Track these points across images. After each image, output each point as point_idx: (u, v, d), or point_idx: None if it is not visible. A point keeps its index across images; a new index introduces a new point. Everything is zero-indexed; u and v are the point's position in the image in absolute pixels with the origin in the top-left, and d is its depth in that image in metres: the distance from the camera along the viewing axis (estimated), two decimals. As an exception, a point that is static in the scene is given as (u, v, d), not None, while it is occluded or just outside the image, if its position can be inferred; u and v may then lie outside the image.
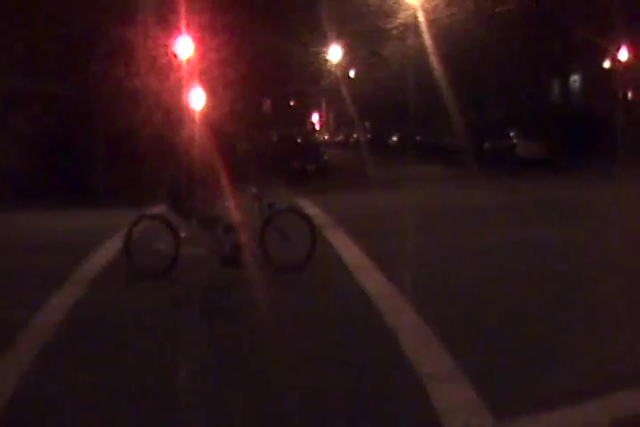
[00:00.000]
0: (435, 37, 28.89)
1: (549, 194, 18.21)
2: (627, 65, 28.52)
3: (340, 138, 69.00)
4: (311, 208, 16.06)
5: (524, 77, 32.83)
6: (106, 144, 22.88)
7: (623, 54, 28.24)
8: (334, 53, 39.50)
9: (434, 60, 29.54)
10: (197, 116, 23.94)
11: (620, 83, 29.21)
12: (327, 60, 39.65)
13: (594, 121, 30.67)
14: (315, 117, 72.17)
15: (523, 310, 6.75)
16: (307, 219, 9.31)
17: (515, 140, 31.69)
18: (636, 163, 24.99)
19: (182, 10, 21.98)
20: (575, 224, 12.29)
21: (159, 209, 9.65)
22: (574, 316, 6.44)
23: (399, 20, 30.67)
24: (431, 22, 28.67)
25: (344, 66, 41.18)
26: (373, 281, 8.14)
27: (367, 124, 60.08)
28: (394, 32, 31.73)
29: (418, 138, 42.76)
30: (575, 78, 37.49)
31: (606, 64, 32.25)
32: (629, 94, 30.77)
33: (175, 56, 22.85)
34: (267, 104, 37.71)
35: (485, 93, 34.54)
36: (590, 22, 29.51)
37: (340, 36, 36.77)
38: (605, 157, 26.94)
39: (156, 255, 8.77)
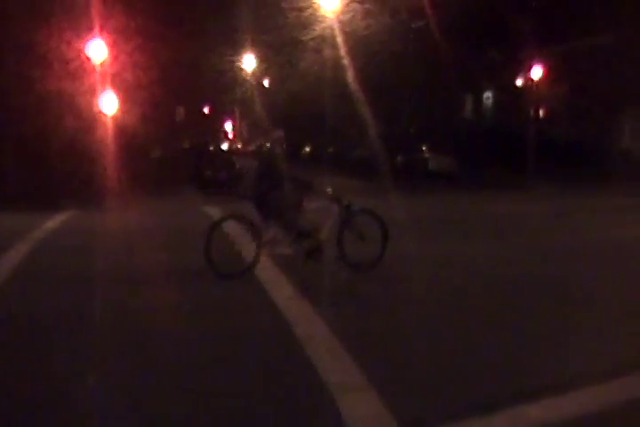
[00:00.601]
0: (351, 50, 29.15)
1: (456, 208, 18.48)
2: (538, 83, 29.25)
3: (253, 147, 69.01)
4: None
5: (438, 92, 33.45)
6: (16, 147, 22.33)
7: (535, 73, 28.97)
8: (249, 63, 39.54)
9: (349, 72, 29.80)
10: (109, 121, 23.68)
11: (532, 101, 29.94)
12: (242, 69, 39.65)
13: (505, 137, 31.51)
14: (228, 126, 71.97)
15: (433, 323, 6.69)
16: (381, 221, 9.41)
17: (427, 155, 32.28)
18: (546, 178, 25.89)
19: (95, 13, 21.67)
20: (485, 238, 12.47)
21: (236, 208, 9.56)
22: (485, 330, 6.41)
23: (316, 32, 30.89)
24: (347, 34, 28.93)
25: (258, 75, 41.25)
26: (284, 293, 8.03)
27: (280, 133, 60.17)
28: (310, 44, 31.94)
29: (330, 150, 42.99)
30: (488, 95, 38.50)
31: (519, 82, 33.16)
32: (540, 112, 31.59)
33: (88, 59, 22.47)
34: (180, 111, 37.42)
35: (400, 107, 35.04)
36: (504, 41, 30.39)
37: (256, 46, 36.85)
38: (516, 171, 27.71)
39: (238, 256, 8.90)
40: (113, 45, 22.78)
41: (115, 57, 23.04)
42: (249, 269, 8.80)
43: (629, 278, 8.80)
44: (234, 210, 9.31)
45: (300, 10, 30.56)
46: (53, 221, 16.19)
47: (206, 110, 53.28)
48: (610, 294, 7.79)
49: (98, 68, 22.34)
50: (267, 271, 9.02)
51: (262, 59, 38.89)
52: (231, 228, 9.25)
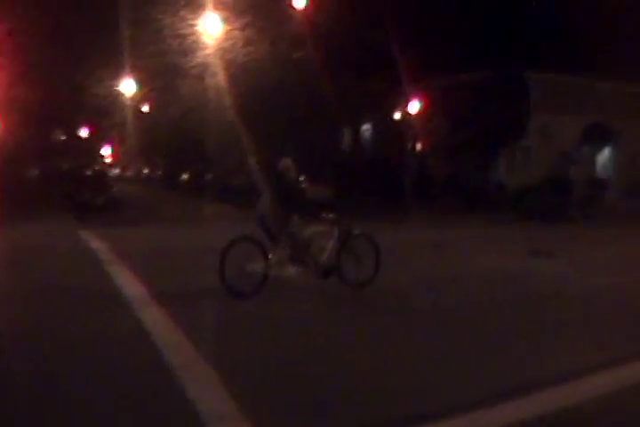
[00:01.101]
0: (231, 77, 29.20)
1: None
2: (417, 116, 30.05)
3: (131, 173, 67.95)
4: (95, 242, 15.64)
5: (317, 123, 33.86)
6: None
7: (414, 106, 29.75)
8: (128, 87, 38.99)
9: (230, 100, 29.81)
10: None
11: (410, 133, 30.71)
12: (121, 94, 39.04)
13: (384, 169, 32.19)
14: (106, 150, 70.69)
15: (305, 348, 6.77)
16: (375, 244, 10.46)
17: (304, 185, 32.58)
18: (423, 209, 26.69)
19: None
20: None
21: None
22: (356, 357, 6.50)
23: (198, 59, 30.81)
24: (228, 62, 28.98)
25: (138, 100, 40.70)
26: (154, 318, 7.97)
27: (159, 160, 59.61)
28: (192, 70, 31.80)
29: (209, 177, 42.76)
30: (367, 127, 39.31)
31: (397, 115, 34.00)
32: (419, 145, 32.41)
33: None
34: (56, 133, 36.55)
35: (279, 136, 35.29)
36: (385, 73, 31.11)
37: (136, 71, 36.38)
38: (394, 203, 28.35)
39: (248, 276, 9.37)
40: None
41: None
42: (259, 287, 9.39)
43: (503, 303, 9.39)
44: (246, 232, 9.84)
45: (183, 37, 30.42)
46: None
47: (85, 133, 52.11)
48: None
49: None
50: (141, 298, 9.01)
51: (142, 84, 38.44)
52: (242, 249, 9.55)
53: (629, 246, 18.08)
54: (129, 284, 10.24)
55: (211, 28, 28.15)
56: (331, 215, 10.38)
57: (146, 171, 64.23)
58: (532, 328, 7.87)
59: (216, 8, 27.42)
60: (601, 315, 8.73)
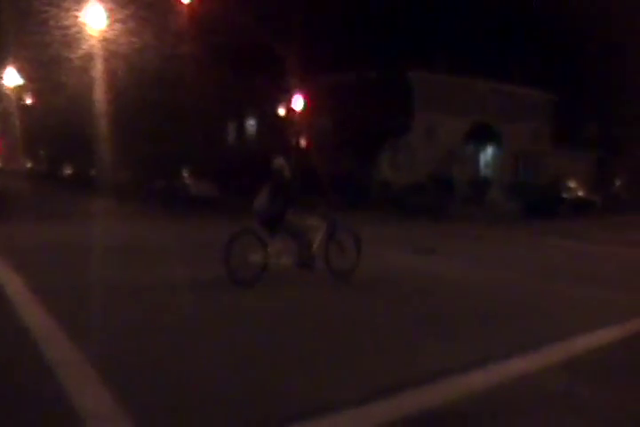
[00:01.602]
0: (113, 69, 28.85)
1: (212, 233, 18.39)
2: (301, 113, 30.30)
3: (14, 167, 66.02)
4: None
5: (201, 117, 33.77)
6: None
7: (298, 103, 29.97)
8: (11, 79, 37.98)
9: (113, 93, 29.42)
10: None
11: (294, 130, 30.94)
12: (2, 85, 38.00)
13: (267, 165, 32.39)
14: (-13, 144, 68.45)
15: (184, 350, 6.65)
16: (356, 236, 11.24)
17: (188, 180, 32.57)
18: (304, 205, 26.89)
19: None
20: None
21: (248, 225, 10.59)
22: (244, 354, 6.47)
23: (82, 50, 30.29)
24: (110, 54, 28.62)
25: (20, 92, 39.69)
26: (33, 315, 7.78)
27: (43, 153, 58.14)
28: (76, 62, 31.24)
29: (93, 172, 42.00)
30: (252, 122, 39.46)
31: (282, 111, 34.24)
32: (303, 141, 32.70)
33: None
34: None
35: (161, 130, 34.94)
36: (270, 70, 31.32)
37: (18, 62, 35.48)
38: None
39: (250, 265, 10.01)
40: None
41: None
42: (260, 276, 10.06)
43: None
44: (247, 226, 10.50)
45: (66, 28, 29.87)
46: None
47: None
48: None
49: None
50: (22, 295, 8.82)
51: (25, 75, 37.51)
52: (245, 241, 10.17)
53: (507, 243, 18.99)
54: (10, 280, 10.06)
55: (94, 20, 27.76)
56: (321, 210, 11.25)
57: (29, 165, 62.50)
58: (408, 325, 7.96)
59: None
60: (478, 311, 8.95)
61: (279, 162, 10.91)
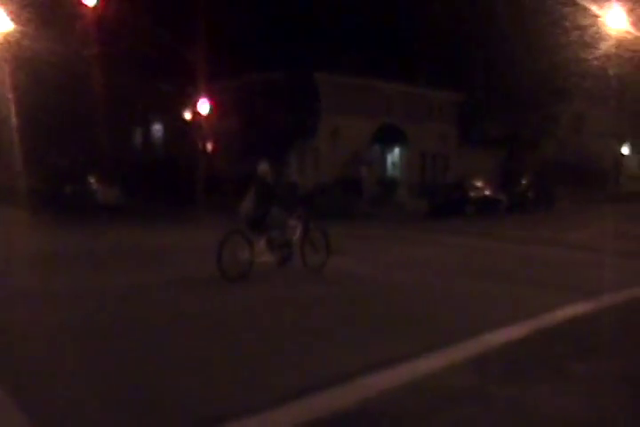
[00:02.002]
0: (17, 73, 28.40)
1: (125, 240, 18.51)
2: (208, 117, 30.42)
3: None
4: None
5: (106, 122, 33.50)
6: None
7: (203, 107, 30.09)
8: None
9: (14, 96, 28.96)
10: None
11: (200, 134, 31.01)
12: None
13: (175, 170, 32.43)
14: None
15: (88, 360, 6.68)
16: (326, 235, 12.84)
17: (95, 186, 32.28)
18: (214, 210, 27.05)
19: None
20: (138, 269, 12.93)
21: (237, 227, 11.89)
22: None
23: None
24: (14, 57, 28.18)
25: None
26: None
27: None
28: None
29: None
30: (158, 127, 39.33)
31: (188, 115, 34.27)
32: (209, 145, 32.81)
33: None
34: None
35: (66, 136, 34.45)
36: (175, 73, 31.33)
37: None
38: (186, 204, 28.63)
39: (238, 262, 11.39)
40: None
41: None
42: (246, 273, 11.49)
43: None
44: (236, 227, 11.84)
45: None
46: None
47: None
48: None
49: None
50: None
51: None
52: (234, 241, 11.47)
53: (414, 243, 19.52)
54: None
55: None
56: (299, 212, 12.69)
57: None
58: (307, 328, 8.11)
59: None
60: (386, 311, 9.22)
61: (264, 168, 12.24)
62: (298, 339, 7.57)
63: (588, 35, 31.78)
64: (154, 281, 11.35)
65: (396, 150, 41.15)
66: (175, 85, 31.55)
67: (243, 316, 8.92)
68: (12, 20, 26.26)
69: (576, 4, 29.81)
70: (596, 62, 34.91)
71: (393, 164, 41.28)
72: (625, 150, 60.83)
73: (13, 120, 29.50)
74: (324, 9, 35.82)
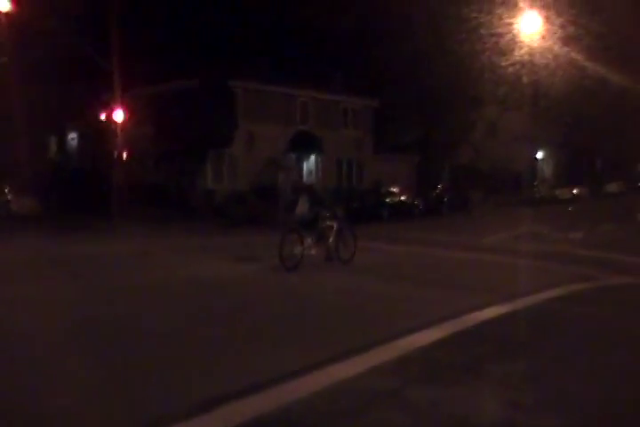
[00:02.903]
0: None
1: (35, 251, 18.24)
2: (122, 125, 30.55)
3: None
4: None
5: (19, 131, 33.36)
6: None
7: (118, 115, 30.23)
8: None
9: None
10: None
11: (115, 143, 31.09)
12: None
13: (91, 179, 32.53)
14: None
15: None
16: (354, 233, 15.84)
17: (9, 196, 32.20)
18: (132, 219, 27.27)
19: None
20: (60, 279, 12.92)
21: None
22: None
23: None
24: None
25: None
26: None
27: None
28: None
29: None
30: (73, 136, 39.29)
31: (103, 124, 34.29)
32: (125, 154, 32.93)
33: None
34: None
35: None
36: (90, 82, 31.47)
37: None
38: (102, 213, 28.73)
39: (293, 255, 14.14)
40: None
41: None
42: (299, 264, 14.19)
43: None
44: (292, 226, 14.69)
45: None
46: None
47: None
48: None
49: None
50: None
51: None
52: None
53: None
54: None
55: None
56: (334, 213, 15.44)
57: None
58: (237, 334, 8.33)
59: None
60: (309, 317, 9.52)
61: (306, 183, 14.69)
62: (221, 347, 7.78)
63: (503, 42, 33.16)
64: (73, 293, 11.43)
65: (312, 157, 41.90)
66: (90, 93, 31.66)
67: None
68: None
69: (492, 12, 31.18)
70: (510, 69, 36.42)
71: (309, 170, 42.05)
72: (539, 155, 63.16)
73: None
74: (239, 17, 36.48)
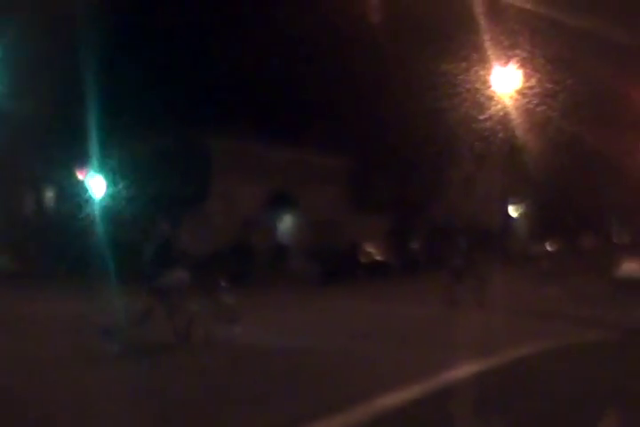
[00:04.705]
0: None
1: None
2: (95, 182, 30.94)
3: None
4: None
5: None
6: None
7: (93, 172, 30.62)
8: None
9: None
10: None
11: (90, 198, 31.35)
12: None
13: (67, 234, 32.93)
14: None
15: None
16: None
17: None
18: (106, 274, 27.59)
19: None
20: None
21: None
22: None
23: None
24: None
25: None
26: None
27: None
28: None
29: None
30: (50, 193, 39.76)
31: (78, 179, 34.80)
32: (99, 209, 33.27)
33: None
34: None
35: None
36: (64, 139, 32.11)
37: None
38: (78, 267, 28.95)
39: None
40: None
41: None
42: None
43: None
44: None
45: None
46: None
47: None
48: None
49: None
50: None
51: None
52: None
53: (306, 309, 21.03)
54: None
55: None
56: None
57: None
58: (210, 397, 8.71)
59: None
60: (278, 379, 9.93)
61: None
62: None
63: (479, 98, 34.32)
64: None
65: (288, 216, 42.70)
66: (65, 149, 32.05)
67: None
68: None
69: (467, 67, 32.37)
70: (485, 125, 37.54)
71: (285, 230, 42.81)
72: (513, 212, 64.41)
73: None
74: (216, 76, 37.34)
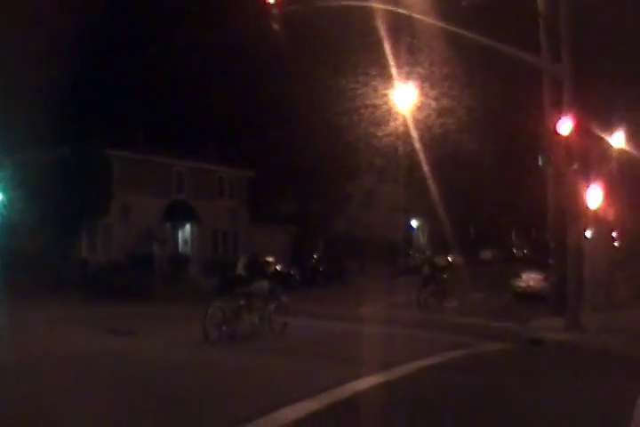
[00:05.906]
0: None
1: None
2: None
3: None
4: None
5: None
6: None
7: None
8: None
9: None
10: None
11: None
12: None
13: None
14: None
15: None
16: None
17: None
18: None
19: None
20: None
21: None
22: None
23: None
24: None
25: None
26: None
27: None
28: None
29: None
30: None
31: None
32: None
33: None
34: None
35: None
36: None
37: None
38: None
39: None
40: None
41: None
42: None
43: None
44: None
45: None
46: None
47: None
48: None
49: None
50: None
51: None
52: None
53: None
54: None
55: None
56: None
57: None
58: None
59: None
60: (173, 395, 9.74)
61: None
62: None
63: (379, 113, 35.61)
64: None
65: (187, 227, 43.27)
66: None
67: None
68: None
69: (368, 84, 33.59)
70: (386, 140, 38.93)
71: (184, 240, 43.37)
72: (414, 224, 66.37)
73: None
74: (117, 87, 37.77)
